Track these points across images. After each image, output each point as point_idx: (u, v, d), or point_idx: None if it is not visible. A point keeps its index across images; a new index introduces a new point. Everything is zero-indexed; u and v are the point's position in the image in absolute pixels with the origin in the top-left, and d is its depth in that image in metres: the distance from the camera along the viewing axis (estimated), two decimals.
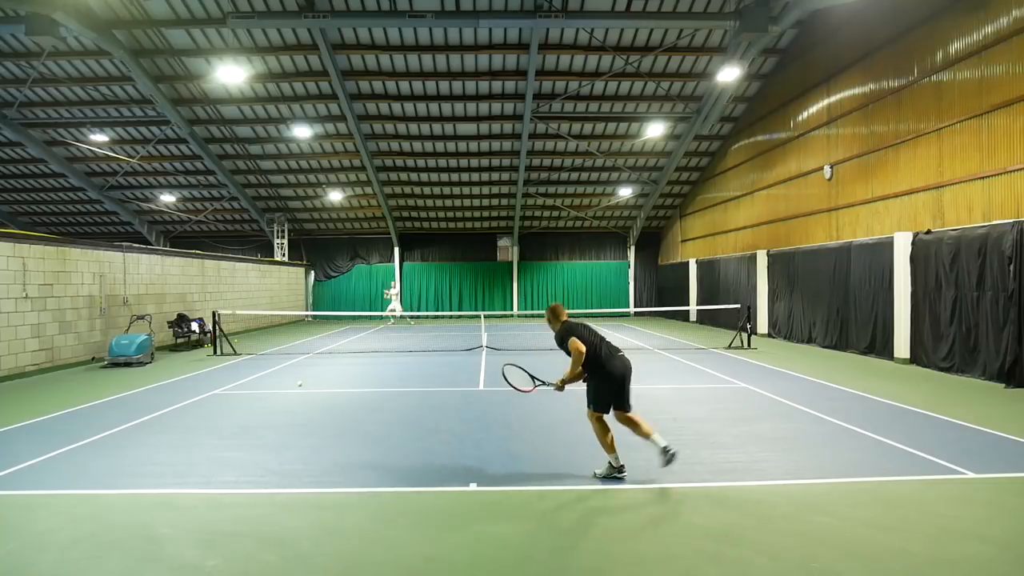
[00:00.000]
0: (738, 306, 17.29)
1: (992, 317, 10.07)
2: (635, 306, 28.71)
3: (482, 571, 3.82)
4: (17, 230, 19.43)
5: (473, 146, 22.25)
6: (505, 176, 24.16)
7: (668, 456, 5.16)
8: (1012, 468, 5.63)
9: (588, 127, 21.23)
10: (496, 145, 22.22)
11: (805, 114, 16.81)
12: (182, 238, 28.90)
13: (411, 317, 26.59)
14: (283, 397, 9.43)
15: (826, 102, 15.80)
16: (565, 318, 5.73)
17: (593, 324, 5.71)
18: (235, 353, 14.73)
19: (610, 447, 5.39)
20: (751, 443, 6.54)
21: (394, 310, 24.99)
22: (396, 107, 20.13)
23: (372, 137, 21.62)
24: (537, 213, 27.68)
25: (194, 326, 16.66)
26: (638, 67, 18.07)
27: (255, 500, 5.02)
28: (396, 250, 28.61)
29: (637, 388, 9.73)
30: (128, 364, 12.84)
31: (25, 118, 20.73)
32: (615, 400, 5.42)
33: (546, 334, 5.46)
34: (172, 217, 27.66)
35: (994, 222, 10.22)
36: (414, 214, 27.73)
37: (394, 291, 25.53)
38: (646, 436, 5.33)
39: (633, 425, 5.41)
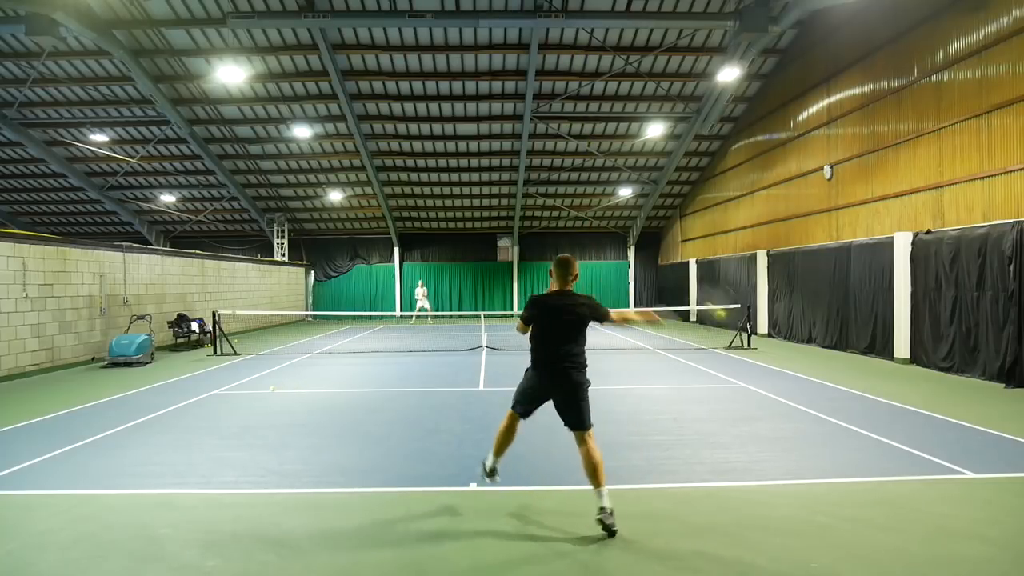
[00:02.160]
0: (738, 306, 17.29)
1: (992, 317, 10.08)
2: (635, 306, 28.69)
3: (482, 571, 3.82)
4: (17, 230, 19.42)
5: (473, 146, 22.24)
6: (505, 176, 24.15)
7: (604, 524, 4.21)
8: (1012, 468, 5.62)
9: (588, 127, 21.22)
10: (496, 145, 22.21)
11: (805, 114, 16.81)
12: (182, 238, 28.89)
13: (417, 317, 26.66)
14: (283, 397, 9.43)
15: (826, 102, 15.79)
16: (553, 287, 4.64)
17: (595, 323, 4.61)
18: (235, 353, 14.73)
19: (497, 448, 4.69)
20: (751, 443, 6.53)
21: (424, 308, 25.81)
22: (396, 107, 20.13)
23: (372, 137, 21.62)
24: (537, 213, 27.67)
25: (194, 326, 16.66)
26: (638, 67, 18.07)
27: (255, 500, 5.02)
28: (396, 250, 28.60)
29: (637, 388, 9.83)
30: (128, 364, 12.84)
31: (25, 118, 20.72)
32: (528, 407, 4.59)
33: None
34: (172, 217, 27.65)
35: (994, 222, 10.22)
36: (414, 214, 27.72)
37: (422, 290, 26.28)
38: (595, 485, 4.29)
39: (585, 457, 4.37)
